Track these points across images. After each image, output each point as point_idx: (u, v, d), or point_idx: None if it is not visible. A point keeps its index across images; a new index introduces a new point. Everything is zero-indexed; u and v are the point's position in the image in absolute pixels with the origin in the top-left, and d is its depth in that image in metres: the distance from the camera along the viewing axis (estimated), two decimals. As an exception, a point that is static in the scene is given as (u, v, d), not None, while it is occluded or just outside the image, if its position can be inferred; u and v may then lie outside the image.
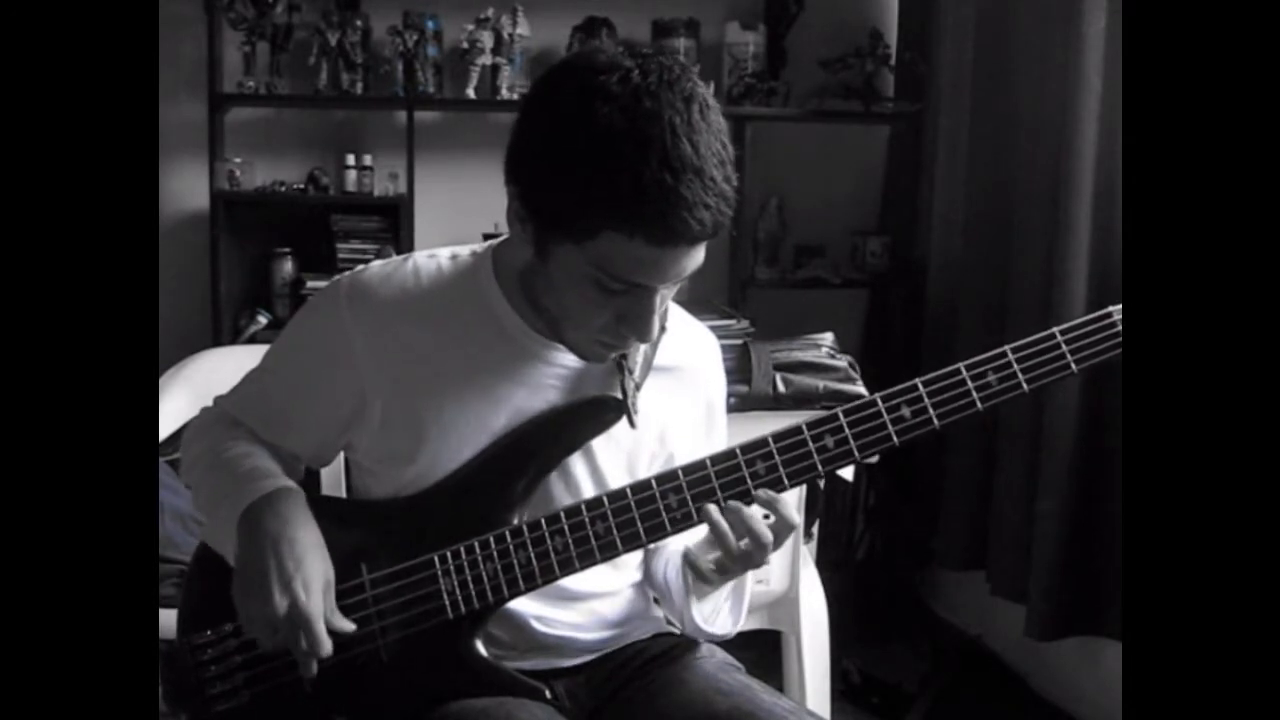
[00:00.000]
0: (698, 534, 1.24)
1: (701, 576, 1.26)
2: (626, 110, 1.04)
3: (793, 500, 1.20)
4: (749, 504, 1.18)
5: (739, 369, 2.06)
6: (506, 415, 1.23)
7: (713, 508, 1.17)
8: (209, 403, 1.37)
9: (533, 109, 1.13)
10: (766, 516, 1.18)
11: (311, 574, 1.15)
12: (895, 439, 1.18)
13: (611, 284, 1.10)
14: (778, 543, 1.18)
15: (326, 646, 1.14)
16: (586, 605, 1.31)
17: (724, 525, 1.17)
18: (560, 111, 1.08)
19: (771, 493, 1.17)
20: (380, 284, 1.25)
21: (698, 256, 1.11)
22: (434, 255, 1.28)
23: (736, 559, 1.19)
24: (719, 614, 1.33)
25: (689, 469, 1.19)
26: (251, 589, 1.15)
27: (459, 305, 1.24)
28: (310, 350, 1.28)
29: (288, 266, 3.28)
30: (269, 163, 3.30)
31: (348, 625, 1.17)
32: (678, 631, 1.44)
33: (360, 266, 1.29)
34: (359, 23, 3.19)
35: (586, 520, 1.19)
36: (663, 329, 1.20)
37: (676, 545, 1.33)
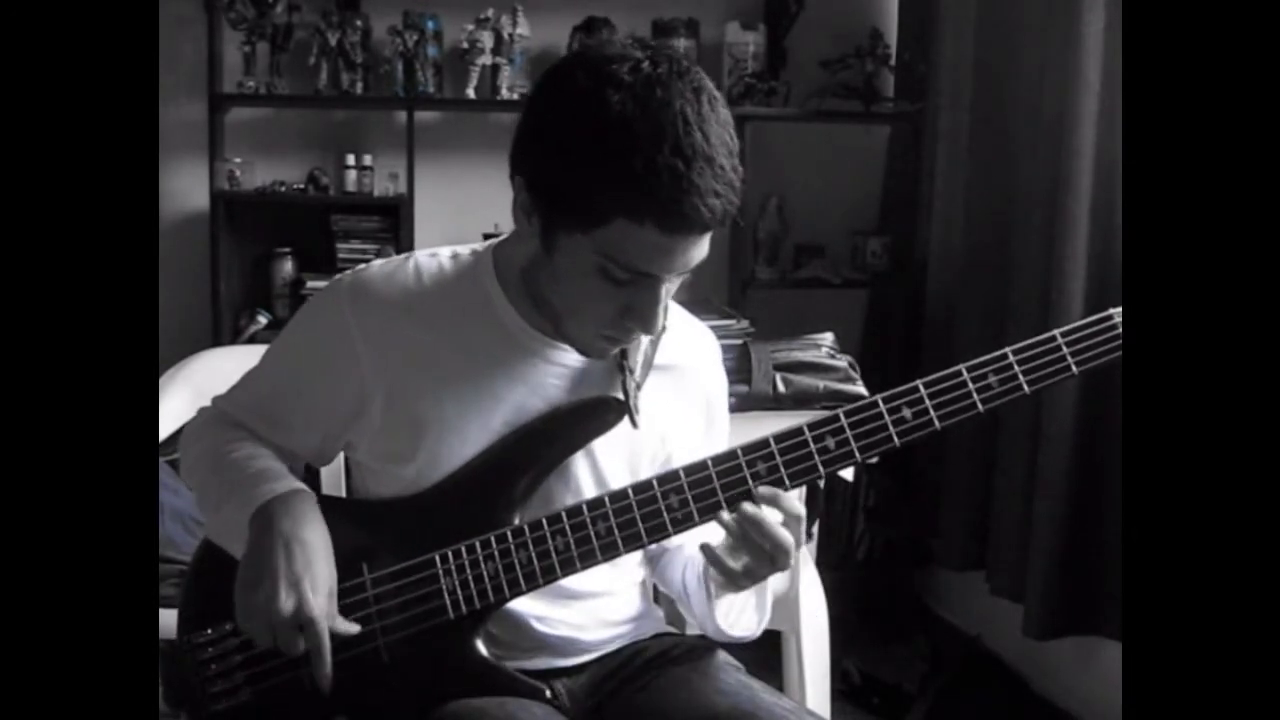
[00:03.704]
0: (712, 534, 1.23)
1: (730, 579, 1.22)
2: (639, 98, 1.06)
3: (793, 493, 1.20)
4: (753, 502, 1.17)
5: (739, 369, 2.06)
6: (506, 414, 1.23)
7: (724, 514, 1.16)
8: (208, 403, 1.36)
9: (542, 97, 1.13)
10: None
11: (319, 577, 1.16)
12: (896, 440, 1.18)
13: (619, 274, 1.11)
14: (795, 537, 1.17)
15: (328, 649, 1.14)
16: (587, 605, 1.31)
17: (736, 529, 1.16)
18: (572, 98, 1.09)
19: (773, 488, 1.17)
20: (382, 283, 1.25)
21: (704, 247, 1.12)
22: (435, 254, 1.28)
23: (760, 562, 1.17)
24: (743, 614, 1.32)
25: (690, 469, 1.19)
26: (259, 585, 1.15)
27: (460, 304, 1.24)
28: (312, 348, 1.28)
29: (288, 266, 3.28)
30: (269, 163, 3.30)
31: (351, 627, 1.18)
32: (678, 631, 1.44)
33: (361, 265, 1.29)
34: (359, 23, 3.19)
35: (588, 520, 1.19)
36: (663, 327, 1.20)
37: (693, 549, 1.31)
